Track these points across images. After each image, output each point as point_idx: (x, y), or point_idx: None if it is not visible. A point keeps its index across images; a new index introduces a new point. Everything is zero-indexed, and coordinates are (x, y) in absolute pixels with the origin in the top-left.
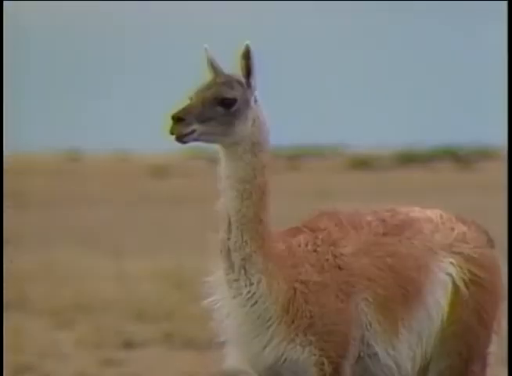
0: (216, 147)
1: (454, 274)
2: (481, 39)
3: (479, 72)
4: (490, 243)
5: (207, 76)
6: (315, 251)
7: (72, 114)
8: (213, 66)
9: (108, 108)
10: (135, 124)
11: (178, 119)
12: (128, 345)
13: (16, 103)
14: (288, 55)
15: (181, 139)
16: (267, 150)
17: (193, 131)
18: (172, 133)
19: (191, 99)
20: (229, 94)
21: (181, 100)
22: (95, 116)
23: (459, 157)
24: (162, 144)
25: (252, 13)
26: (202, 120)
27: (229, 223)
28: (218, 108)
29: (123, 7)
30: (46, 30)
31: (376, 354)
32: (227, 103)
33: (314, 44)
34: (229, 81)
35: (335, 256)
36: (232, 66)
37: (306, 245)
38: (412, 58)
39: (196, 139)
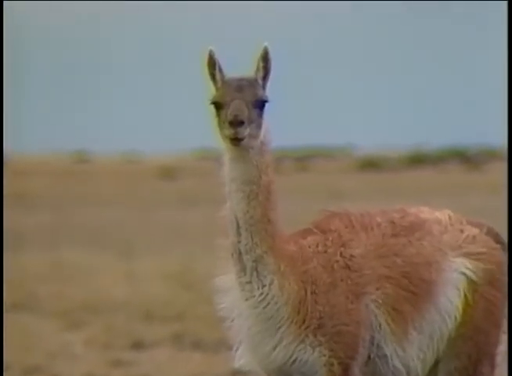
0: (223, 149)
1: (465, 274)
2: (483, 39)
3: (486, 72)
4: (501, 245)
5: (207, 77)
6: (325, 252)
7: (81, 116)
8: (219, 68)
9: (117, 109)
10: (144, 125)
11: (241, 122)
12: (138, 345)
13: (23, 104)
14: (297, 56)
15: (240, 141)
16: (270, 149)
17: (247, 134)
18: (235, 136)
19: (229, 100)
20: (264, 96)
21: (194, 102)
22: (104, 117)
23: (467, 158)
24: (171, 145)
25: (257, 14)
26: (249, 122)
27: (238, 226)
28: (256, 110)
29: (124, 7)
30: (48, 29)
31: (385, 356)
32: (261, 105)
33: (322, 45)
34: (257, 83)
35: (345, 257)
36: (235, 67)
37: (316, 246)
38: (419, 59)
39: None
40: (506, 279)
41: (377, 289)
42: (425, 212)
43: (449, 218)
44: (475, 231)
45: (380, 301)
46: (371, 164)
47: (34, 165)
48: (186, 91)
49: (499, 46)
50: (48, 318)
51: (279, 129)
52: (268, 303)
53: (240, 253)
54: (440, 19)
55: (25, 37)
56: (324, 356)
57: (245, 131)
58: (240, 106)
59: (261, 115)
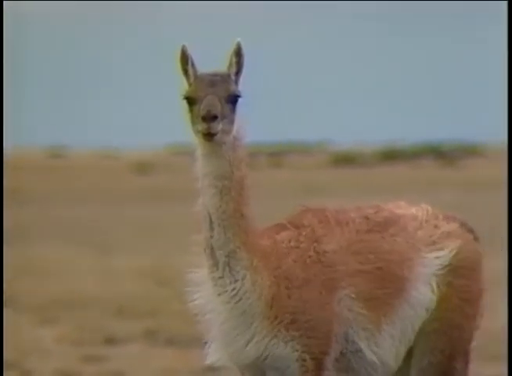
0: (196, 144)
1: (438, 270)
2: (466, 38)
3: (462, 70)
4: (476, 240)
5: (180, 73)
6: (298, 247)
7: (57, 112)
8: (192, 64)
9: (92, 105)
10: (119, 120)
11: (214, 117)
12: (110, 341)
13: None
14: (272, 51)
15: (212, 136)
16: (244, 144)
17: (220, 129)
18: (208, 131)
19: (202, 95)
20: (237, 91)
21: (167, 97)
22: (80, 113)
23: (442, 154)
24: (145, 140)
25: (237, 10)
26: (222, 118)
27: (211, 221)
28: (229, 105)
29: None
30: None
31: (359, 351)
32: (234, 100)
33: (299, 41)
34: (230, 78)
35: (318, 253)
36: (214, 63)
37: (289, 241)
38: (394, 55)
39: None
40: (481, 276)
41: (350, 284)
42: (401, 208)
43: (426, 213)
44: (450, 226)
45: (353, 297)
46: (345, 160)
47: (8, 160)
48: (160, 86)
49: (476, 43)
50: (21, 313)
51: (252, 124)
52: (241, 298)
53: (213, 248)
54: (420, 18)
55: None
56: (297, 351)
57: (218, 126)
58: (213, 101)
59: (233, 110)
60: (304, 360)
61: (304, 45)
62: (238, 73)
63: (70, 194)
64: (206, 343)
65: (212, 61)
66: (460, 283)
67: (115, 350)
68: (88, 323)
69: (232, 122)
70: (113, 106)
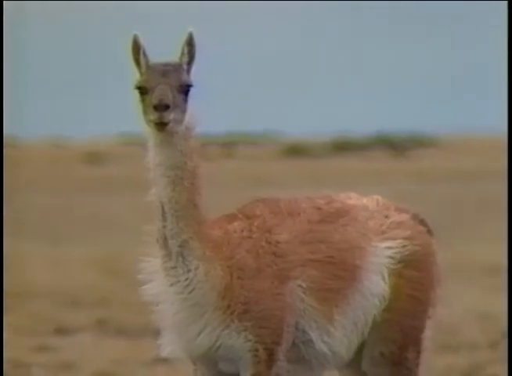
0: (148, 134)
1: (389, 260)
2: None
3: (412, 60)
4: (428, 231)
5: (132, 62)
6: (250, 237)
7: (6, 100)
8: (144, 53)
9: (42, 94)
10: (70, 110)
11: (166, 106)
12: (61, 331)
13: None
14: (223, 42)
15: (164, 126)
16: (195, 134)
17: (172, 119)
18: (160, 120)
19: (154, 85)
20: (189, 81)
21: (120, 88)
22: (30, 101)
23: (393, 145)
24: (96, 130)
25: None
26: (174, 107)
27: (163, 211)
28: (181, 95)
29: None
30: None
31: (310, 341)
32: (186, 90)
33: (251, 33)
34: (182, 68)
35: (270, 243)
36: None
37: (242, 231)
38: (346, 47)
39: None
40: (433, 266)
41: (302, 274)
42: (353, 199)
43: (377, 204)
44: (401, 217)
45: (305, 286)
46: (296, 151)
47: None
48: (111, 76)
49: (428, 32)
50: None
51: (204, 115)
52: (194, 288)
53: (166, 238)
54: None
55: None
56: (249, 341)
57: (170, 115)
58: (165, 90)
59: (185, 100)
60: (257, 350)
61: (256, 37)
62: (190, 63)
63: (20, 184)
64: (158, 334)
65: (165, 52)
66: (411, 274)
67: (66, 340)
68: (39, 312)
69: (184, 112)
70: (64, 96)
